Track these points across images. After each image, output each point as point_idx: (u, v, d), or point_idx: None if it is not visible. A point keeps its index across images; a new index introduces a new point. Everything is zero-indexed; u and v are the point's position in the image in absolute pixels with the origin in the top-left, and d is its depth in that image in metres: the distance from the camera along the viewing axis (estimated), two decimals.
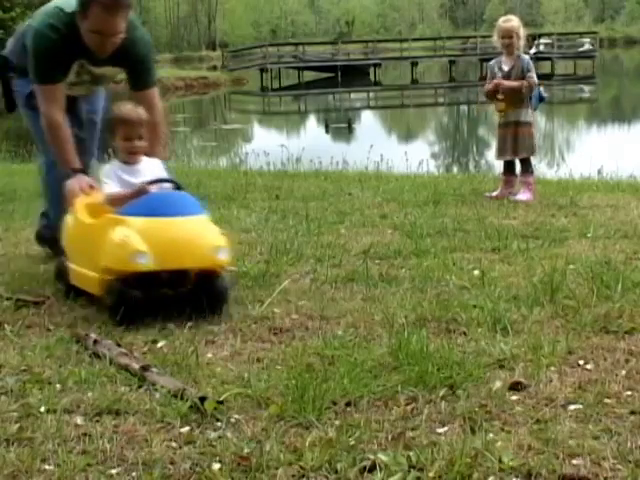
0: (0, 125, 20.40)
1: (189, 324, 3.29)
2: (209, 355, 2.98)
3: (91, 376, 2.75)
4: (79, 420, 2.43)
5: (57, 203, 4.25)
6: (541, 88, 6.82)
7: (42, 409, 2.49)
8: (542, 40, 45.99)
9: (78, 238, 3.79)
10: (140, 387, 2.66)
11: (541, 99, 6.80)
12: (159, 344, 3.10)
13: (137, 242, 3.33)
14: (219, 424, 2.37)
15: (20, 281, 4.13)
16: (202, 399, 2.46)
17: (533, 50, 39.03)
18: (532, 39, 40.42)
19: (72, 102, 4.27)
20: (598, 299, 3.49)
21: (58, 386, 2.69)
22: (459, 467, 2.05)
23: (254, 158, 11.26)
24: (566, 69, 44.97)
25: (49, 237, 4.47)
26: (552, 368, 2.75)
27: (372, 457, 2.12)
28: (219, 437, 2.29)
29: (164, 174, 3.78)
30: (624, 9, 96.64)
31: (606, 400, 2.47)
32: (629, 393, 2.53)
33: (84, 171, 4.08)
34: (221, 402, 2.47)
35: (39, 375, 2.79)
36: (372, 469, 2.08)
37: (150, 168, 3.76)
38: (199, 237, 3.46)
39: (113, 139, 3.75)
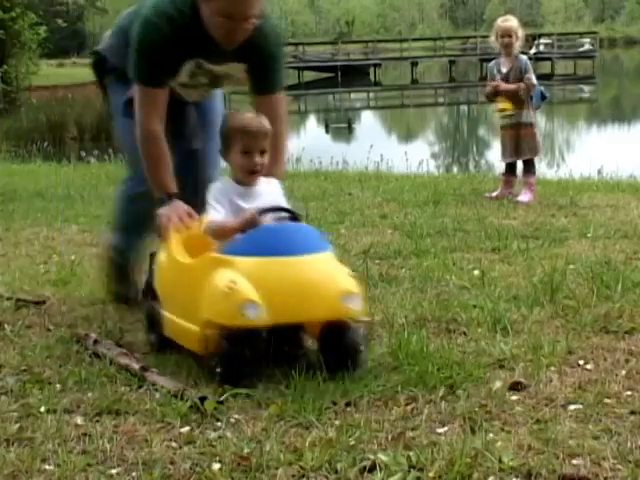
0: (0, 125, 20.38)
1: None
2: None
3: (91, 376, 2.75)
4: (79, 420, 2.42)
5: (131, 233, 3.71)
6: (541, 87, 6.82)
7: (42, 409, 2.49)
8: (542, 40, 46.05)
9: (174, 281, 3.06)
10: (140, 387, 2.66)
11: (543, 98, 6.79)
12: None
13: (247, 289, 2.65)
14: (219, 424, 2.37)
15: (20, 281, 4.14)
16: (202, 399, 2.46)
17: (533, 50, 39.09)
18: (532, 39, 40.46)
19: (181, 109, 3.56)
20: (598, 299, 3.49)
21: (58, 386, 2.69)
22: (459, 467, 2.05)
23: None
24: (566, 69, 44.98)
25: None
26: (552, 368, 2.75)
27: (372, 457, 2.12)
28: (219, 437, 2.29)
29: (282, 200, 3.09)
30: (624, 9, 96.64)
31: (606, 400, 2.47)
32: (629, 393, 2.53)
33: (182, 196, 3.28)
34: (221, 402, 2.47)
35: (39, 375, 2.79)
36: (372, 469, 2.08)
37: (269, 191, 3.07)
38: (323, 282, 2.75)
39: (227, 154, 3.05)
